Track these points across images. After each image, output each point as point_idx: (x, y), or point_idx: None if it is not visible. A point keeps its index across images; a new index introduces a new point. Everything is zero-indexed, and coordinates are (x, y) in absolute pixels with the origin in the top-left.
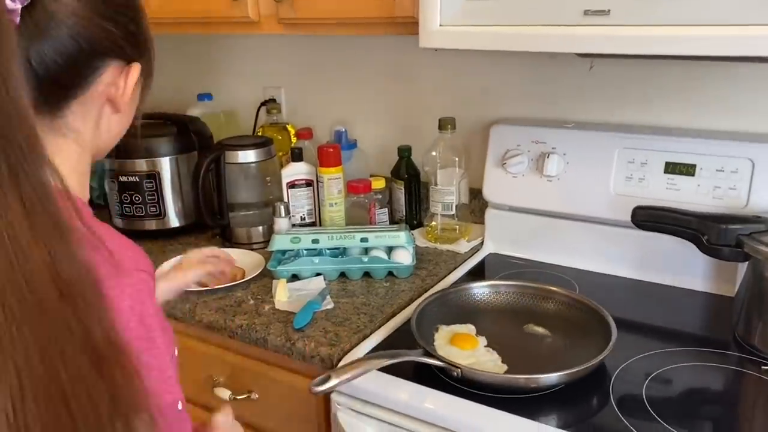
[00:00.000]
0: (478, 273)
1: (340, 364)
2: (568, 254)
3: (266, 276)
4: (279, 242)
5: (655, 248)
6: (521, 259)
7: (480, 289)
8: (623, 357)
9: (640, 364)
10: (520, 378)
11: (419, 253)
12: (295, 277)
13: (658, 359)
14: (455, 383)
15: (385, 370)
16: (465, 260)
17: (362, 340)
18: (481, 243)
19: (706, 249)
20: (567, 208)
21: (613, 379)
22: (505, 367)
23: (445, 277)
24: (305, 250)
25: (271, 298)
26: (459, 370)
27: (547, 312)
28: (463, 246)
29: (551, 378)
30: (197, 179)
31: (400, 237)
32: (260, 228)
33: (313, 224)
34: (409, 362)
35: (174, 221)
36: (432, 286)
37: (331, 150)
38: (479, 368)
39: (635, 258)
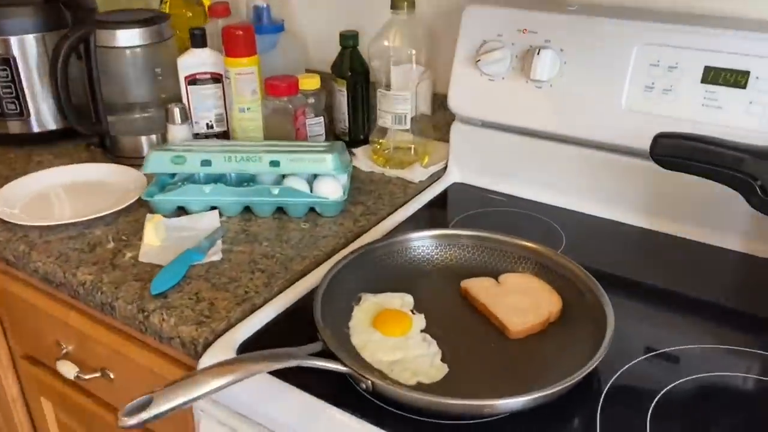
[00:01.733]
0: (434, 212)
1: (202, 361)
2: (557, 190)
3: (145, 207)
4: (155, 162)
5: (679, 190)
6: (495, 193)
7: (427, 242)
8: (623, 355)
9: (647, 369)
10: (456, 403)
11: (359, 183)
12: (183, 212)
13: (673, 360)
14: (369, 396)
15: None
16: (419, 193)
17: (248, 315)
18: (444, 169)
19: (760, 202)
20: (560, 126)
21: (603, 396)
22: (444, 370)
23: (388, 217)
24: (200, 175)
25: (139, 241)
26: (369, 381)
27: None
28: (418, 173)
29: (507, 404)
30: (54, 67)
31: (325, 161)
32: (153, 137)
33: (225, 135)
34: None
35: (43, 123)
36: (367, 231)
37: (241, 32)
38: (401, 375)
39: (648, 200)
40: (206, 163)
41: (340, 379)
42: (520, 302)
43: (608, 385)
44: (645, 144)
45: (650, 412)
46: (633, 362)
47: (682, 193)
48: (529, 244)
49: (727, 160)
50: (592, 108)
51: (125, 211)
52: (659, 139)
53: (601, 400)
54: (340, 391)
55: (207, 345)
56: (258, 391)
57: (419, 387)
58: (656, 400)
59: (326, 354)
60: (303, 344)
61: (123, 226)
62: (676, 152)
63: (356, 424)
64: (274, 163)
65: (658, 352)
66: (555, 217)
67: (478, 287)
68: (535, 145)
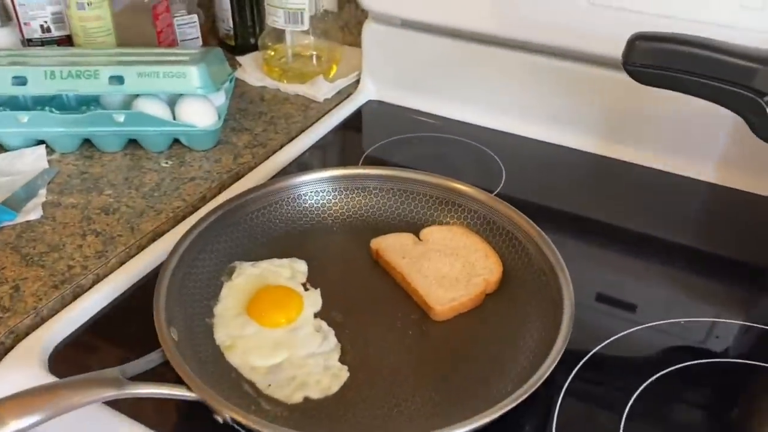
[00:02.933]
0: (342, 142)
1: None
2: (496, 109)
3: None
4: None
5: (644, 109)
6: (419, 113)
7: (324, 186)
8: (582, 338)
9: (598, 319)
10: None
11: (246, 102)
12: None
13: (628, 308)
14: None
15: None
16: (323, 115)
17: (68, 304)
18: (356, 84)
19: (764, 127)
20: (501, 26)
21: (558, 404)
22: (343, 376)
23: (281, 149)
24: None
25: None
26: (225, 414)
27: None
28: (322, 88)
29: None
30: None
31: (186, 76)
32: None
33: (69, 42)
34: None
35: None
36: (252, 169)
37: None
38: (282, 389)
39: (606, 121)
40: (19, 80)
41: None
42: (448, 268)
43: (566, 382)
44: (610, 49)
45: (624, 415)
46: (598, 347)
47: (646, 113)
48: (459, 186)
49: (729, 71)
50: (544, 1)
51: None
52: (637, 42)
53: (559, 402)
54: (192, 420)
55: (3, 351)
56: (77, 423)
57: (305, 407)
58: (632, 400)
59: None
60: (146, 345)
61: None
62: (658, 60)
63: None
64: (116, 79)
65: (611, 298)
66: (493, 143)
67: (394, 248)
68: (469, 50)
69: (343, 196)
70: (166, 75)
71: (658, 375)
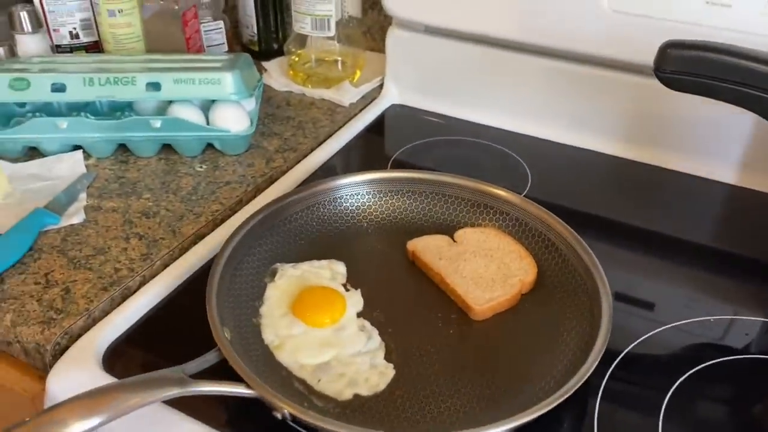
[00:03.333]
0: (369, 146)
1: (51, 378)
2: (521, 113)
3: None
4: None
5: (667, 112)
6: (444, 118)
7: (360, 189)
8: (613, 339)
9: (619, 319)
10: None
11: (273, 108)
12: (37, 154)
13: (648, 307)
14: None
15: None
16: (350, 119)
17: (118, 305)
18: (379, 88)
19: None
20: (524, 32)
21: (597, 404)
22: (389, 373)
23: (311, 153)
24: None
25: None
26: (284, 411)
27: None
28: (347, 93)
29: None
30: None
31: (221, 82)
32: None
33: (94, 48)
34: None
35: None
36: (285, 173)
37: None
38: (333, 385)
39: (630, 125)
40: (59, 87)
41: (251, 399)
42: (485, 269)
43: (607, 374)
44: (631, 54)
45: (662, 411)
46: (636, 343)
47: (666, 116)
48: (491, 189)
49: (759, 77)
50: (566, 8)
51: None
52: (668, 50)
53: (599, 397)
54: (248, 417)
55: (59, 352)
56: (137, 423)
57: (356, 403)
58: (669, 396)
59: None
60: (198, 345)
61: None
62: (689, 67)
63: None
64: (153, 86)
65: (634, 299)
66: (518, 147)
67: (430, 250)
68: (491, 56)
69: (377, 199)
70: (202, 81)
71: (689, 373)
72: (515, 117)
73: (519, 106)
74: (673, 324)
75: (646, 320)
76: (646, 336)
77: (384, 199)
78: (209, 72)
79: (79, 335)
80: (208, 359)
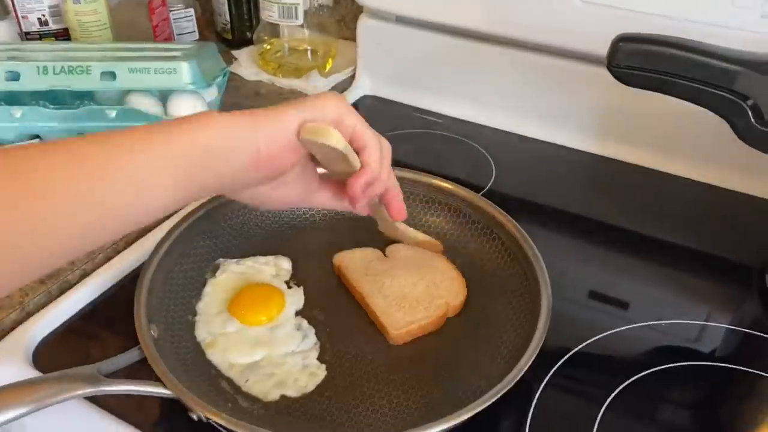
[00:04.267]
0: None
1: None
2: (490, 106)
3: None
4: None
5: (640, 108)
6: (414, 110)
7: None
8: (564, 301)
9: (590, 315)
10: None
11: (239, 97)
12: None
13: (621, 305)
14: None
15: None
16: None
17: (55, 298)
18: (351, 79)
19: (747, 129)
20: (495, 23)
21: (535, 400)
22: (320, 374)
23: None
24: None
25: None
26: (198, 413)
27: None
28: (317, 82)
29: None
30: None
31: (176, 72)
32: None
33: (65, 35)
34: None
35: None
36: None
37: None
38: (260, 385)
39: (602, 120)
40: (12, 75)
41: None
42: (411, 288)
43: (545, 380)
44: (602, 47)
45: (599, 416)
46: (575, 308)
47: (641, 112)
48: (441, 183)
49: (713, 73)
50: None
51: None
52: (620, 44)
53: (534, 401)
54: (175, 417)
55: None
56: (61, 418)
57: (282, 404)
58: (606, 405)
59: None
60: (132, 341)
61: None
62: (641, 62)
63: None
64: (109, 75)
65: (602, 296)
66: (485, 140)
67: (355, 265)
68: (463, 47)
69: None
70: (157, 71)
71: (642, 374)
72: (486, 110)
73: (490, 99)
74: (640, 324)
75: (613, 318)
76: (608, 333)
77: None
78: (165, 61)
79: (12, 329)
80: (131, 357)
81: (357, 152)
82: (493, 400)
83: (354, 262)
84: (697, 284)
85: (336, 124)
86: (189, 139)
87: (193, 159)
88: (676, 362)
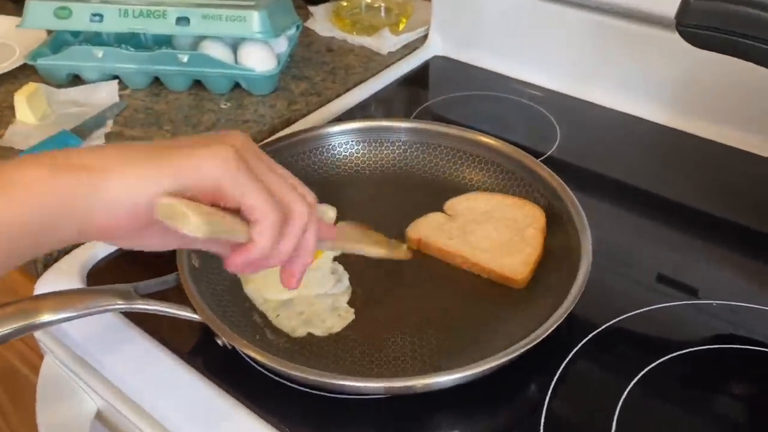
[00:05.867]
0: (398, 95)
1: (39, 284)
2: (563, 70)
3: (35, 73)
4: (33, 15)
5: (718, 77)
6: (484, 72)
7: (350, 138)
8: (628, 284)
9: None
10: (335, 382)
11: (311, 52)
12: (81, 81)
13: (689, 291)
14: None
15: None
16: (385, 68)
17: None
18: (424, 39)
19: None
20: None
21: (561, 368)
22: (348, 317)
23: (336, 99)
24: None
25: (14, 118)
26: (222, 338)
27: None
28: (387, 41)
29: (418, 384)
30: None
31: (247, 21)
32: None
33: None
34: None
35: None
36: (304, 116)
37: None
38: (288, 321)
39: (677, 89)
40: (97, 17)
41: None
42: (497, 234)
43: (574, 349)
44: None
45: (625, 393)
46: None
47: (722, 83)
48: (482, 138)
49: None
50: None
51: (9, 77)
52: (691, 2)
53: (559, 371)
54: (202, 340)
55: (50, 263)
56: (100, 333)
57: (306, 341)
58: (635, 380)
59: None
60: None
61: (3, 96)
62: (714, 21)
63: (207, 390)
64: (183, 20)
65: (672, 280)
66: (553, 106)
67: (434, 232)
68: (538, 9)
69: (370, 148)
70: (229, 18)
71: (679, 353)
72: (559, 75)
73: (563, 64)
74: (686, 302)
75: (661, 295)
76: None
77: (376, 148)
78: (237, 9)
79: (70, 251)
80: (167, 281)
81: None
82: (517, 353)
83: (430, 229)
84: (761, 269)
85: (216, 193)
86: None
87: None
88: (721, 344)
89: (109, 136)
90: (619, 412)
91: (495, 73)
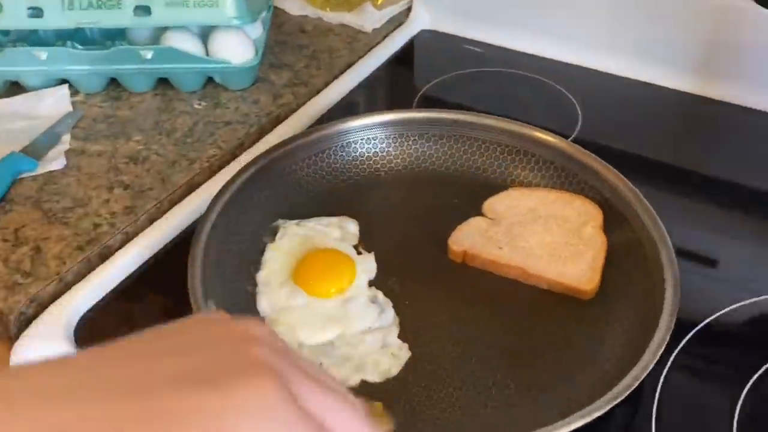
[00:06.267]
0: (393, 79)
1: (17, 348)
2: (572, 39)
3: None
4: None
5: (747, 38)
6: (480, 46)
7: (376, 133)
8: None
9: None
10: None
11: (285, 35)
12: (19, 89)
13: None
14: None
15: None
16: (372, 48)
17: (95, 268)
18: (407, 11)
19: None
20: None
21: (656, 400)
22: (404, 355)
23: (326, 88)
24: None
25: None
26: None
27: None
28: (370, 17)
29: None
30: None
31: (219, 5)
32: None
33: None
34: None
35: None
36: (294, 111)
37: None
38: (338, 368)
39: (701, 54)
40: (35, 11)
41: None
42: (550, 236)
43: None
44: None
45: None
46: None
47: (748, 45)
48: (531, 132)
49: None
50: None
51: None
52: None
53: (657, 396)
54: None
55: (25, 322)
56: None
57: (363, 391)
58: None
59: None
60: (184, 313)
61: None
62: None
63: None
64: (142, 10)
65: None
66: (568, 81)
67: (480, 242)
68: None
69: (397, 144)
70: (197, 4)
71: None
72: (567, 45)
73: (572, 32)
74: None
75: (720, 286)
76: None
77: (405, 144)
78: None
79: (49, 303)
80: None
81: None
82: (612, 405)
83: (473, 238)
84: None
85: None
86: None
87: None
88: None
89: (68, 154)
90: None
91: (495, 46)
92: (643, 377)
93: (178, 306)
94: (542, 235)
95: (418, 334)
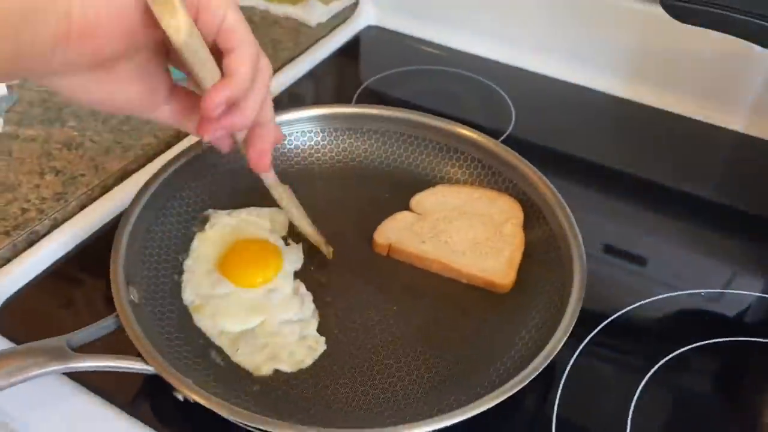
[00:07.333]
0: (336, 74)
1: None
2: (510, 40)
3: None
4: None
5: (675, 46)
6: (424, 43)
7: (309, 127)
8: (609, 300)
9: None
10: None
11: None
12: None
13: (639, 262)
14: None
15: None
16: (316, 42)
17: (20, 253)
18: (354, 7)
19: None
20: None
21: (561, 385)
22: (319, 348)
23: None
24: None
25: None
26: (180, 394)
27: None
28: (316, 11)
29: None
30: None
31: None
32: None
33: None
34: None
35: None
36: None
37: None
38: (252, 357)
39: (632, 60)
40: None
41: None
42: (473, 231)
43: (572, 359)
44: None
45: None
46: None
47: (676, 53)
48: (462, 131)
49: None
50: None
51: None
52: None
53: (562, 383)
54: (155, 393)
55: None
56: (30, 396)
57: (274, 380)
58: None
59: None
60: (108, 304)
61: None
62: None
63: None
64: None
65: (621, 251)
66: (503, 80)
67: (404, 235)
68: None
69: (331, 139)
70: None
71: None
72: (505, 45)
73: (510, 34)
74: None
75: (639, 281)
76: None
77: (339, 138)
78: None
79: None
80: (106, 326)
81: (222, 55)
82: (519, 388)
83: (399, 232)
84: (725, 242)
85: (199, 6)
86: None
87: None
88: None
89: (1, 139)
90: (633, 411)
91: (438, 44)
92: (545, 364)
93: (103, 292)
94: (466, 231)
95: (338, 326)
